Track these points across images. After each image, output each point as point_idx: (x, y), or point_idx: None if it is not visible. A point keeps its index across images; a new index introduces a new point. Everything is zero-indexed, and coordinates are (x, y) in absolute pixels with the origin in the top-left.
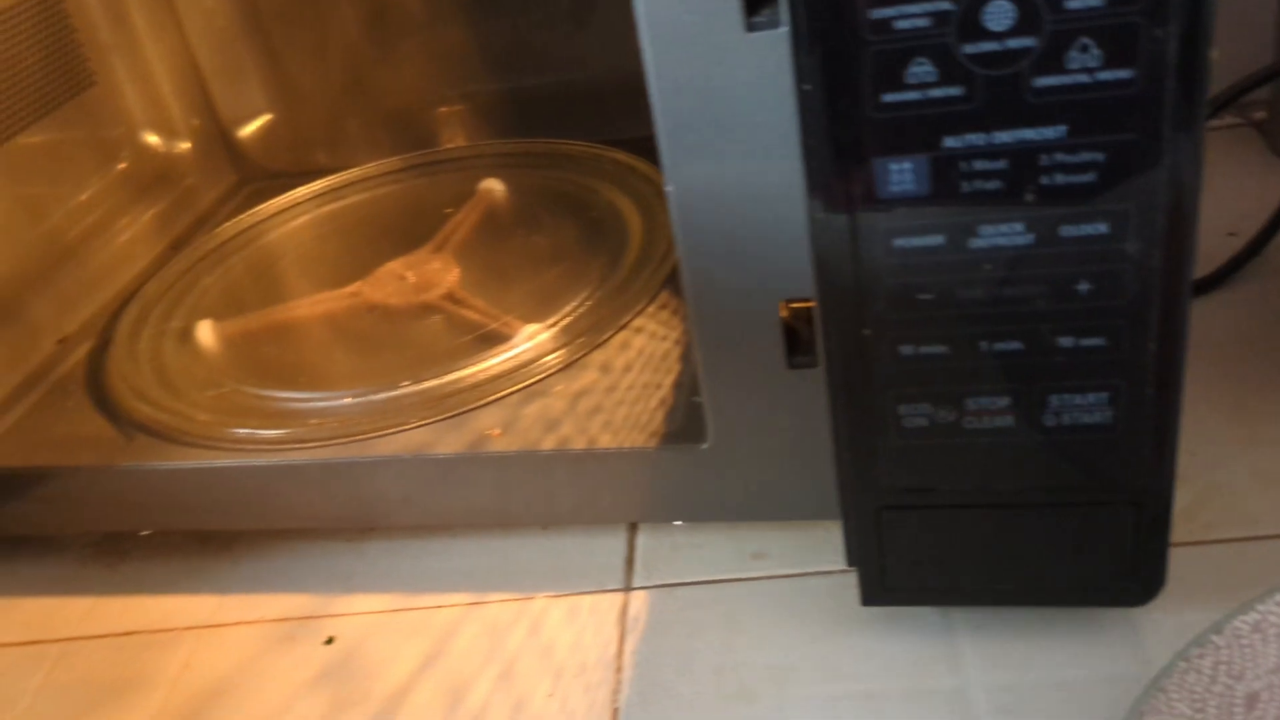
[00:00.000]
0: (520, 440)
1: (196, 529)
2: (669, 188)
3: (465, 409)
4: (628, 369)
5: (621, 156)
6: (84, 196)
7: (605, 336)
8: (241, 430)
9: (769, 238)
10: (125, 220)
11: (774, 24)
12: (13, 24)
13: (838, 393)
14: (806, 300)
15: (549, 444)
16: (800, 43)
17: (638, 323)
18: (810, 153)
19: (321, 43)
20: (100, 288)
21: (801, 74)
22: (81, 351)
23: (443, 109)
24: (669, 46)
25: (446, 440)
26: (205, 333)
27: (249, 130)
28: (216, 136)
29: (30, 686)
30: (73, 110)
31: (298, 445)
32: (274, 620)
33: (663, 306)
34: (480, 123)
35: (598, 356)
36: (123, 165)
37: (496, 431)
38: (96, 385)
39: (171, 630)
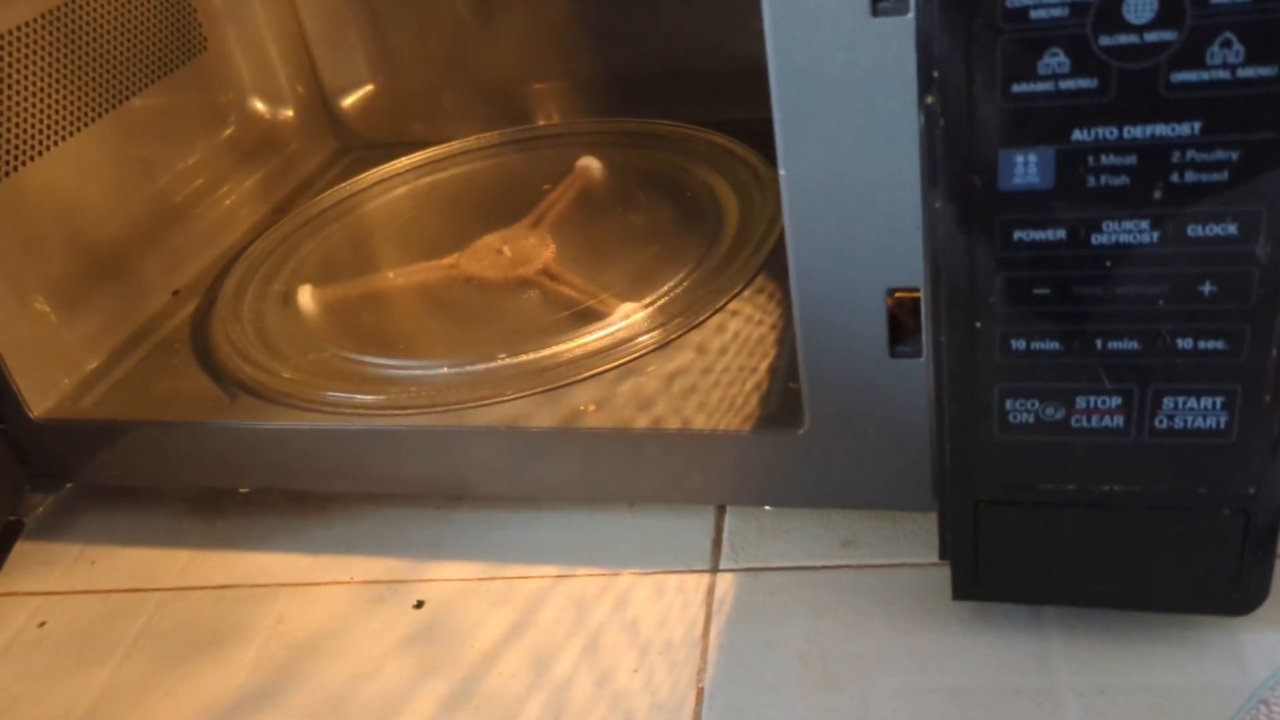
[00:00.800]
0: (613, 418)
1: (292, 489)
2: (782, 172)
3: (560, 384)
4: (723, 351)
5: (718, 139)
6: (193, 159)
7: (701, 318)
8: (339, 394)
9: (880, 226)
10: (230, 184)
11: (901, 9)
12: None
13: (943, 384)
14: (913, 290)
15: (642, 423)
16: (930, 29)
17: (734, 306)
18: (932, 142)
19: (424, 14)
20: (206, 249)
21: (929, 61)
22: (188, 309)
23: (540, 85)
24: (791, 28)
25: (540, 414)
26: (306, 297)
27: (351, 100)
28: (319, 105)
29: (131, 631)
30: (185, 75)
31: (393, 411)
32: (365, 582)
33: (759, 290)
34: (577, 100)
35: (693, 338)
36: (230, 130)
37: (591, 408)
38: (201, 343)
39: (266, 586)
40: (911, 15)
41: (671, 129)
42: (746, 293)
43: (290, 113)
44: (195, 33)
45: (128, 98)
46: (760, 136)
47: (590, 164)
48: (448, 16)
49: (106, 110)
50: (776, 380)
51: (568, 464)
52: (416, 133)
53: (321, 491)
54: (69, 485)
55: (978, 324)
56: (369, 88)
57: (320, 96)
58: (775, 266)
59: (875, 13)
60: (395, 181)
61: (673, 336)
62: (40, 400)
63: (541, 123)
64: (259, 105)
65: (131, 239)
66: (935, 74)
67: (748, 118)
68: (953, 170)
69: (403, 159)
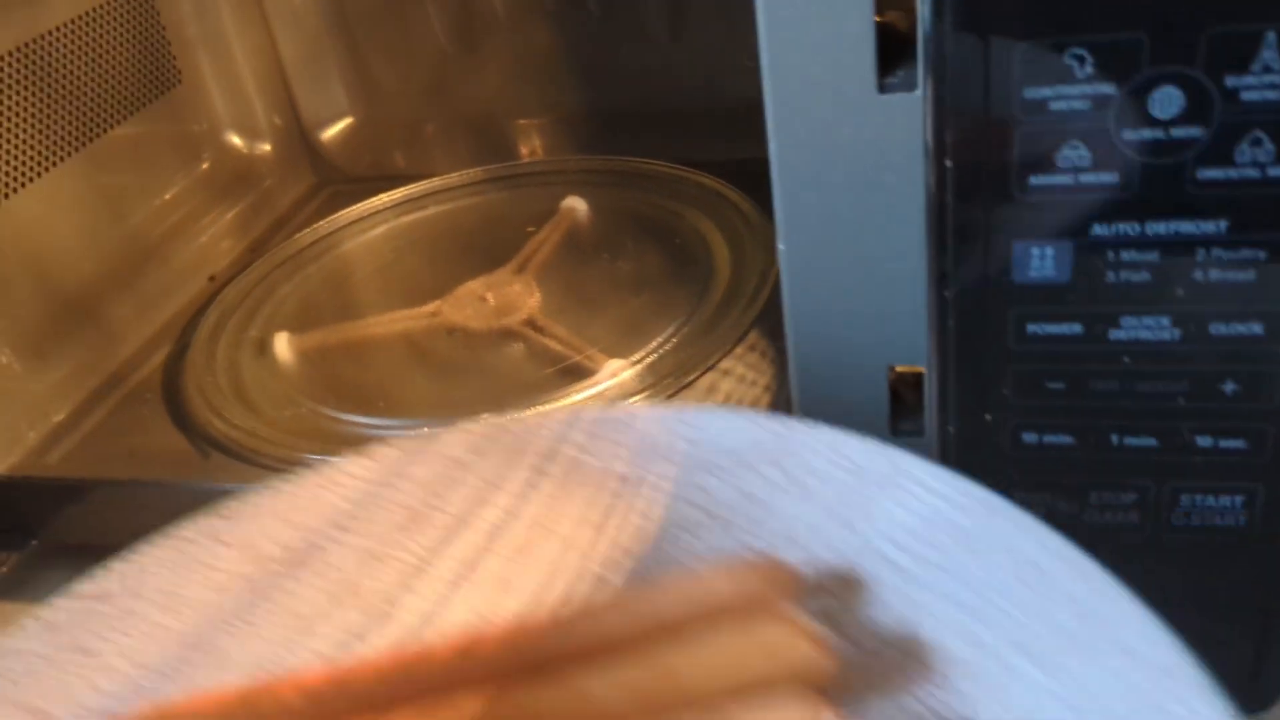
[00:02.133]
0: None
1: None
2: (781, 245)
3: None
4: None
5: (709, 181)
6: (166, 197)
7: (691, 378)
8: (316, 455)
9: (883, 303)
10: (205, 221)
11: (909, 86)
12: (104, 21)
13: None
14: (917, 366)
15: None
16: (944, 116)
17: (725, 364)
18: (943, 229)
19: (406, 44)
20: (180, 290)
21: (941, 149)
22: (160, 356)
23: (524, 119)
24: (794, 101)
25: None
26: (283, 345)
27: (330, 133)
28: (297, 137)
29: None
30: (158, 109)
31: None
32: None
33: (751, 348)
34: (563, 136)
35: (684, 399)
36: (204, 165)
37: None
38: (173, 394)
39: None
40: (919, 93)
41: (660, 169)
42: (738, 349)
43: (267, 146)
44: (169, 65)
45: (98, 135)
46: (752, 178)
47: (576, 205)
48: (430, 47)
49: (76, 149)
50: None
51: None
52: (397, 166)
53: None
54: (33, 543)
55: (988, 416)
56: (348, 120)
57: (298, 129)
58: (768, 322)
59: (882, 89)
60: (375, 220)
61: (662, 397)
62: (3, 455)
63: (526, 158)
64: (234, 139)
65: (102, 282)
66: (948, 163)
67: (739, 158)
68: (965, 261)
69: (382, 195)
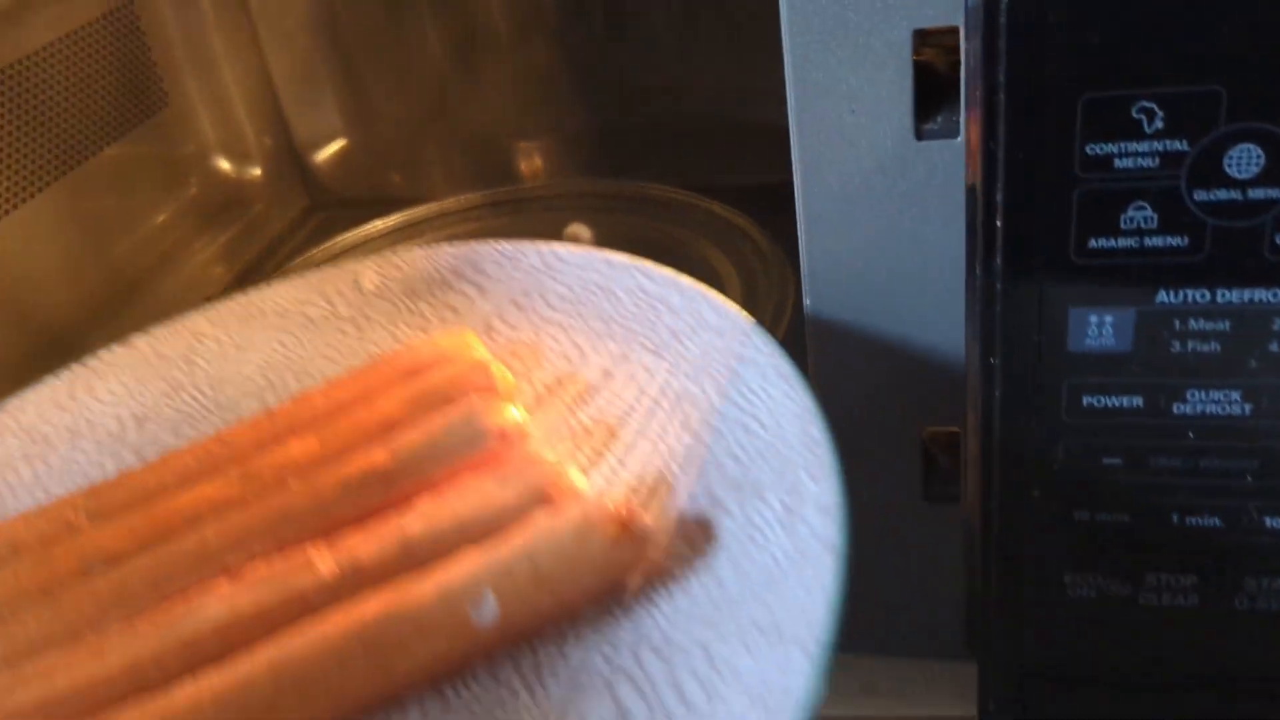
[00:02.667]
0: None
1: None
2: (807, 301)
3: None
4: None
5: (719, 209)
6: (153, 223)
7: None
8: None
9: (917, 364)
10: (193, 248)
11: (949, 132)
12: (88, 42)
13: (990, 549)
14: (952, 427)
15: None
16: (994, 173)
17: None
18: (990, 293)
19: (402, 63)
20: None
21: (990, 207)
22: None
23: (526, 142)
24: (823, 148)
25: None
26: None
27: (323, 155)
28: (288, 160)
29: None
30: (143, 134)
31: None
32: None
33: None
34: (566, 159)
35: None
36: (192, 191)
37: None
38: None
39: None
40: (961, 139)
41: (668, 194)
42: None
43: (257, 170)
44: (155, 88)
45: (82, 160)
46: (764, 205)
47: (580, 232)
48: (427, 65)
49: (58, 175)
50: None
51: None
52: (393, 189)
53: None
54: None
55: (1035, 493)
56: (342, 141)
57: (290, 151)
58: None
59: (920, 135)
60: (370, 248)
61: None
62: None
63: (527, 181)
64: (223, 163)
65: (85, 316)
66: (998, 223)
67: (751, 183)
68: (1014, 327)
69: (378, 221)
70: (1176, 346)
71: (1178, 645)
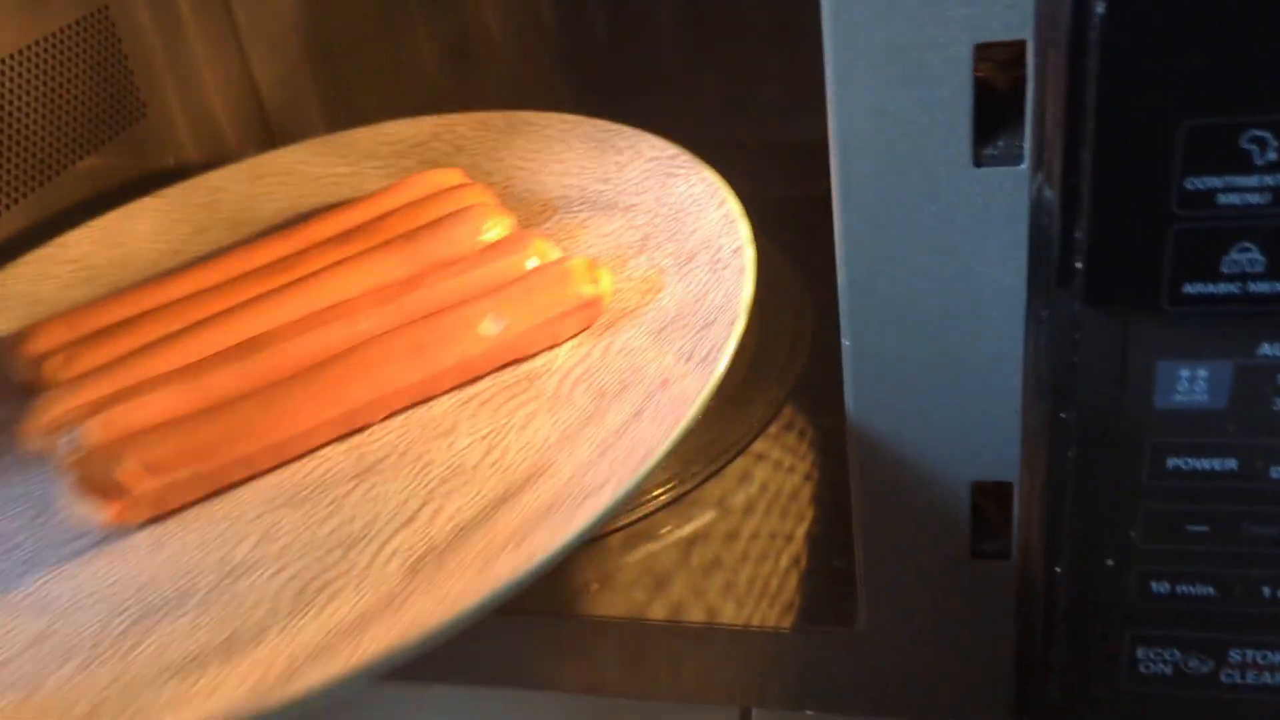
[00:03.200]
0: (623, 601)
1: None
2: (846, 341)
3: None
4: (749, 509)
5: None
6: None
7: (721, 463)
8: None
9: (968, 412)
10: None
11: (1012, 159)
12: (61, 50)
13: (1054, 617)
14: (1003, 479)
15: (659, 611)
16: (1076, 207)
17: (759, 447)
18: (1068, 342)
19: (394, 73)
20: None
21: (1070, 246)
22: None
23: None
24: (868, 176)
25: (532, 590)
26: None
27: None
28: None
29: None
30: (121, 144)
31: None
32: None
33: (787, 427)
34: None
35: (713, 490)
36: None
37: (594, 585)
38: None
39: None
40: (1025, 166)
41: None
42: (772, 429)
43: None
44: (132, 98)
45: (54, 175)
46: (778, 221)
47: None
48: (419, 74)
49: (28, 191)
50: (818, 553)
51: (565, 652)
52: None
53: None
54: None
55: (1109, 561)
56: None
57: None
58: (803, 395)
59: (979, 161)
60: None
61: (688, 488)
62: None
63: None
64: None
65: None
66: (1078, 264)
67: (763, 197)
68: (1093, 380)
69: None
70: (1279, 404)
71: None
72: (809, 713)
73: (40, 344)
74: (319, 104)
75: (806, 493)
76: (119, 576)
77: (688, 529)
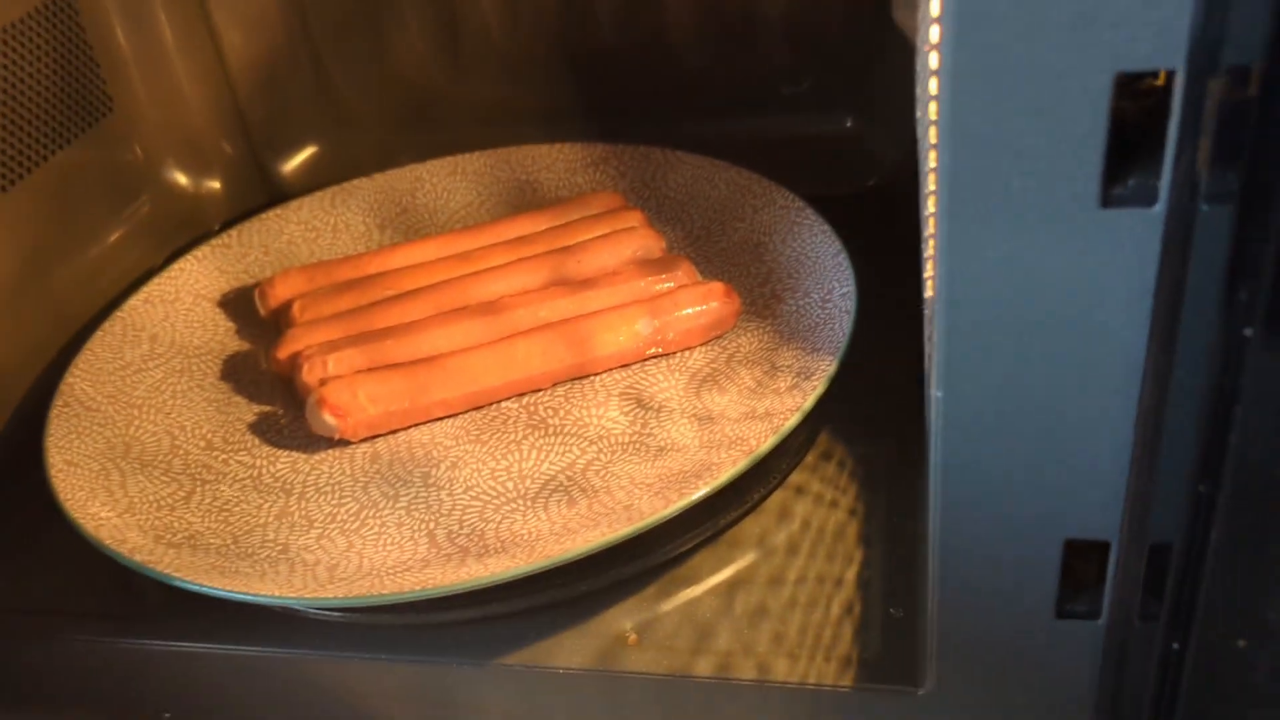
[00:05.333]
0: (665, 656)
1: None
2: (939, 392)
3: (587, 591)
4: (793, 550)
5: None
6: (100, 246)
7: (756, 498)
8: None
9: (1068, 467)
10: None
11: (1145, 200)
12: (17, 43)
13: (1171, 697)
14: (1101, 538)
15: (705, 666)
16: (1253, 269)
17: (796, 478)
18: (1220, 417)
19: (380, 62)
20: None
21: (1241, 307)
22: None
23: (520, 148)
24: (977, 209)
25: (566, 644)
26: None
27: (290, 164)
28: (252, 169)
29: None
30: (85, 143)
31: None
32: None
33: (825, 456)
34: None
35: (751, 528)
36: (145, 207)
37: (632, 637)
38: None
39: None
40: (1160, 207)
41: None
42: (809, 458)
43: (216, 182)
44: (97, 90)
45: (15, 180)
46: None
47: None
48: (408, 63)
49: None
50: (872, 600)
51: (601, 711)
52: None
53: None
54: None
55: (1241, 643)
56: (312, 148)
57: (253, 159)
58: (840, 421)
59: (1106, 202)
60: None
61: (725, 524)
62: None
63: None
64: (178, 174)
65: (20, 358)
66: (1247, 332)
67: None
68: (1252, 456)
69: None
70: None
71: None
72: None
73: (282, 290)
74: (298, 93)
75: (853, 530)
76: (344, 477)
77: (727, 572)
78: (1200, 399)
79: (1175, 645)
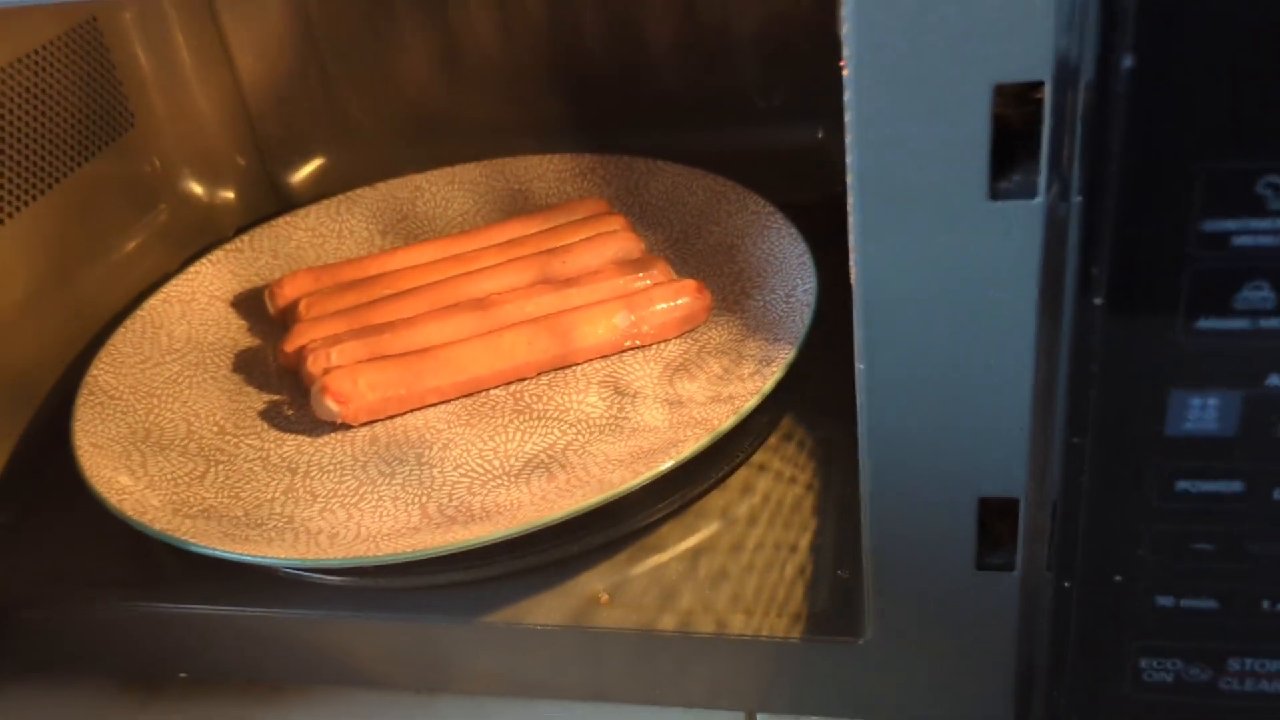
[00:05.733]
0: (634, 613)
1: (239, 677)
2: (861, 365)
3: (564, 557)
4: (753, 520)
5: None
6: (121, 253)
7: (720, 474)
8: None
9: (977, 431)
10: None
11: (1027, 192)
12: (49, 63)
13: (1063, 629)
14: (1010, 495)
15: (669, 622)
16: (1096, 244)
17: (759, 458)
18: (1084, 372)
19: (384, 79)
20: None
21: (1089, 282)
22: None
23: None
24: (885, 202)
25: (544, 603)
26: None
27: (299, 175)
28: (263, 181)
29: None
30: (109, 155)
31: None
32: None
33: (786, 437)
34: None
35: (716, 501)
36: (163, 217)
37: (604, 598)
38: None
39: None
40: (1039, 200)
41: None
42: (772, 440)
43: (230, 193)
44: (120, 107)
45: (44, 190)
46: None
47: None
48: (411, 79)
49: (20, 206)
50: (823, 564)
51: (576, 662)
52: None
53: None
54: None
55: (1118, 577)
56: (320, 160)
57: (264, 170)
58: (803, 407)
59: (994, 194)
60: None
61: (691, 498)
62: None
63: None
64: (194, 186)
65: (48, 362)
66: (1097, 300)
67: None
68: (1108, 407)
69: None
70: None
71: None
72: (814, 719)
73: (289, 290)
74: (307, 109)
75: (809, 503)
76: (345, 457)
77: (692, 540)
78: (1067, 362)
79: (1065, 584)
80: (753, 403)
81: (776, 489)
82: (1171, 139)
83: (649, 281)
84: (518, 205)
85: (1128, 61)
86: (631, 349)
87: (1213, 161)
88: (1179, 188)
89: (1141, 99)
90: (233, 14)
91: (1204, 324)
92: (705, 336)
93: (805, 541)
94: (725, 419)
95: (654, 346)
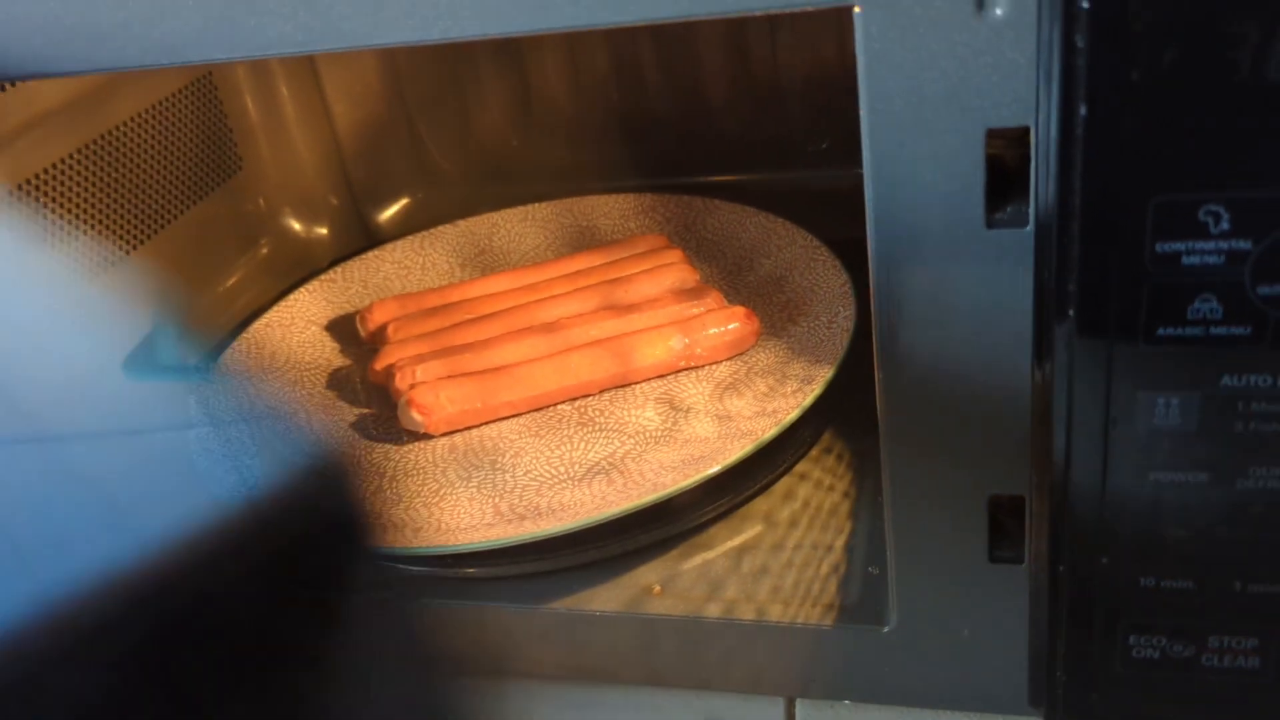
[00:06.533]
0: (683, 602)
1: None
2: (880, 374)
3: (622, 552)
4: (794, 524)
5: None
6: (227, 283)
7: (768, 480)
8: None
9: (985, 435)
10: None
11: (1019, 222)
12: (170, 113)
13: (1059, 612)
14: (1017, 492)
15: (714, 610)
16: (1069, 265)
17: (802, 468)
18: (1061, 380)
19: (464, 126)
20: None
21: (1064, 296)
22: None
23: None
24: (896, 232)
25: (601, 593)
26: None
27: (387, 213)
28: (354, 218)
29: None
30: (219, 195)
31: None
32: None
33: (827, 450)
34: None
35: (760, 506)
36: (264, 250)
37: (657, 589)
38: None
39: None
40: (1030, 229)
41: None
42: (814, 452)
43: (324, 229)
44: (231, 152)
45: (164, 226)
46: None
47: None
48: (488, 127)
49: (141, 242)
50: (855, 562)
51: (630, 647)
52: None
53: None
54: None
55: (1104, 560)
56: (405, 200)
57: (355, 209)
58: (843, 423)
59: (990, 224)
60: None
61: (738, 502)
62: None
63: None
64: (293, 223)
65: None
66: (1071, 313)
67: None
68: (1086, 408)
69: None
70: (1239, 426)
71: (1238, 705)
72: (847, 702)
73: (379, 315)
74: (395, 155)
75: (844, 509)
76: (427, 463)
77: (737, 539)
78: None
79: (1060, 568)
80: (793, 416)
81: (816, 495)
82: (1125, 175)
83: (702, 309)
84: (584, 240)
85: (1083, 110)
86: (686, 369)
87: (1161, 194)
88: (1134, 215)
89: (1094, 142)
90: (330, 69)
91: (1163, 332)
92: (754, 359)
93: (840, 542)
94: (768, 430)
95: (706, 367)
